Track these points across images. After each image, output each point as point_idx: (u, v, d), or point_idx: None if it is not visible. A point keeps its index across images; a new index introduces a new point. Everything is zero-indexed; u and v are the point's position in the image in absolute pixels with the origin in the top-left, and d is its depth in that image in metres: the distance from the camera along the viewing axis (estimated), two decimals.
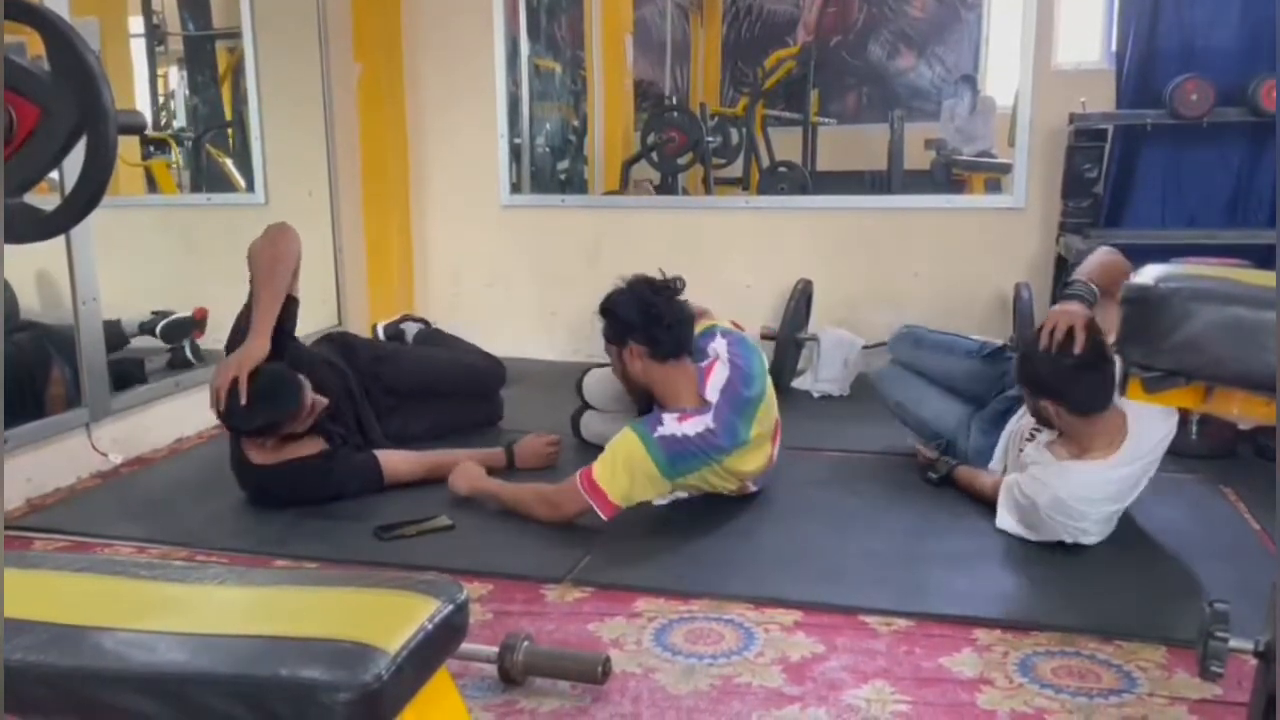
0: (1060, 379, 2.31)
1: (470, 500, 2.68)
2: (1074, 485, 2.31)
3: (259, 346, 2.58)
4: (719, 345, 2.65)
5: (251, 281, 2.69)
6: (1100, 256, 2.49)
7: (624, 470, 2.43)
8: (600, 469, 2.44)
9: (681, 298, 2.63)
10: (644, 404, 2.72)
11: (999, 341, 3.00)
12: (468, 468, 2.73)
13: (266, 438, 2.63)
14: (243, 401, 2.51)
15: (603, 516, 2.43)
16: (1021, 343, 2.45)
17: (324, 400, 2.65)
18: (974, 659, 1.94)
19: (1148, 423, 2.33)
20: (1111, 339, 2.25)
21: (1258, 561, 2.34)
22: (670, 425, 2.47)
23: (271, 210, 4.21)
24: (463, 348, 3.60)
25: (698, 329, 2.70)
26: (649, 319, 2.56)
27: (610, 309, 2.64)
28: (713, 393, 2.54)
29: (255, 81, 4.16)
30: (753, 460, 2.59)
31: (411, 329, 3.76)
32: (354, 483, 2.76)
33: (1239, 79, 3.50)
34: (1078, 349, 2.28)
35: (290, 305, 2.76)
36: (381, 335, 3.74)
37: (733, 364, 2.60)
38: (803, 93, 6.57)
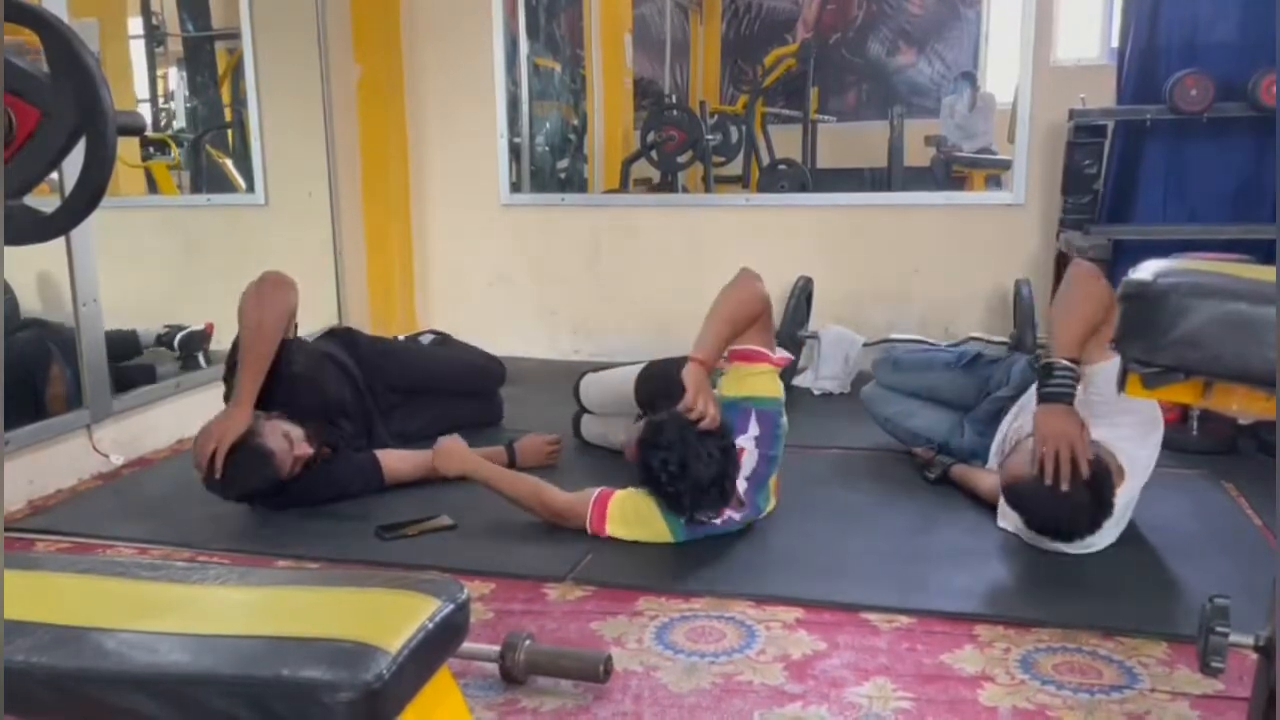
0: (1063, 526, 2.24)
1: (471, 500, 2.67)
2: None
3: (240, 417, 2.57)
4: (748, 439, 2.43)
5: (237, 339, 2.68)
6: (1073, 301, 2.27)
7: (639, 531, 2.43)
8: (615, 514, 2.42)
9: (719, 458, 2.29)
10: (640, 412, 2.71)
11: (975, 349, 3.02)
12: (454, 446, 2.65)
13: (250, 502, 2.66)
14: (218, 478, 2.54)
15: (588, 528, 2.45)
16: (1013, 501, 2.31)
17: (309, 451, 2.64)
18: (975, 655, 1.94)
19: (1140, 457, 2.33)
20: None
21: (1259, 557, 2.34)
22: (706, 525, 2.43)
23: (271, 211, 4.21)
24: (470, 349, 3.60)
25: (736, 393, 2.46)
26: (677, 503, 2.35)
27: (647, 474, 2.34)
28: (741, 483, 2.42)
29: (255, 82, 4.16)
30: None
31: (427, 339, 3.80)
32: (355, 483, 2.76)
33: (1239, 74, 3.49)
34: (1084, 474, 2.15)
35: (283, 346, 2.72)
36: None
37: (761, 455, 2.45)
38: (802, 90, 6.57)
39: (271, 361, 2.65)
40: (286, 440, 2.59)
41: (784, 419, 2.52)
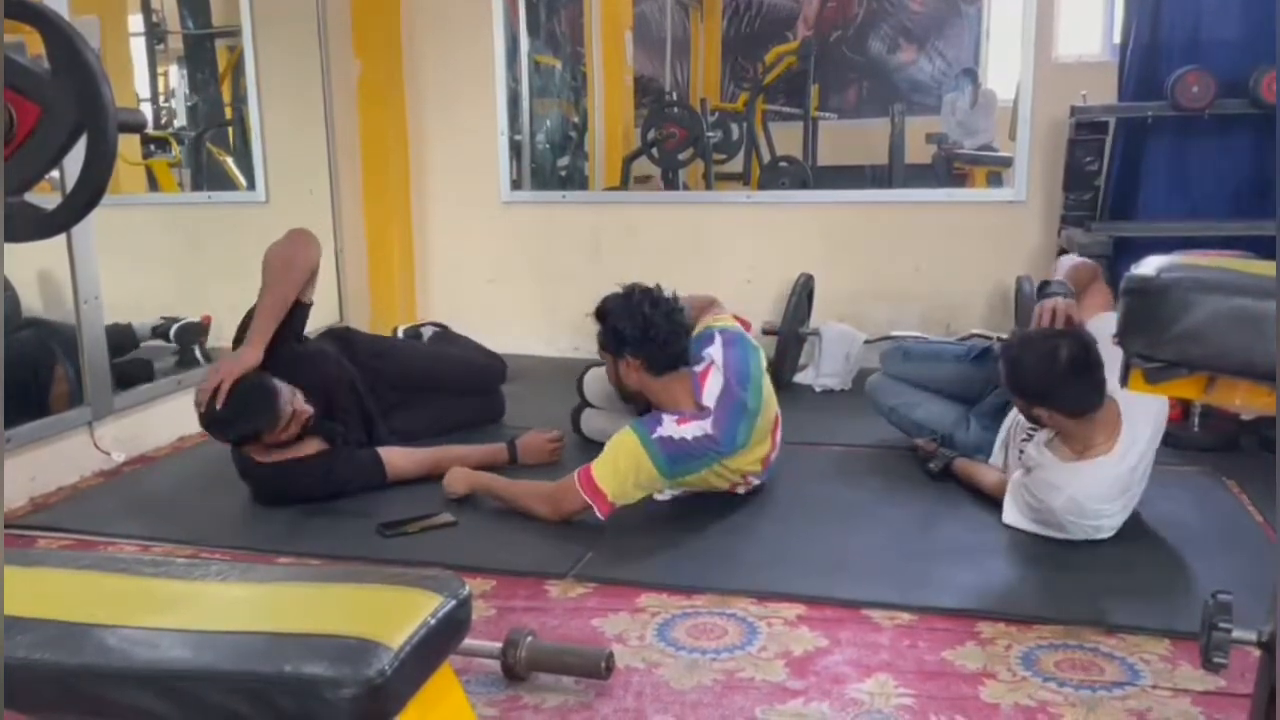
0: (1049, 383, 2.29)
1: (471, 497, 2.68)
2: (1087, 485, 2.30)
3: (250, 356, 2.59)
4: (715, 350, 2.63)
5: (261, 286, 2.70)
6: (1069, 260, 2.59)
7: (623, 469, 2.44)
8: (599, 468, 2.45)
9: (679, 308, 2.61)
10: (640, 406, 2.73)
11: (984, 343, 3.03)
12: (460, 471, 2.72)
13: (248, 446, 2.65)
14: (219, 407, 2.53)
15: (600, 515, 2.44)
16: (1004, 353, 2.43)
17: (309, 410, 2.65)
18: (977, 652, 1.94)
19: (1139, 406, 2.33)
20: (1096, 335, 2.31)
21: (1260, 553, 2.34)
22: (669, 426, 2.47)
23: (272, 208, 4.21)
24: (470, 346, 3.61)
25: (698, 328, 2.70)
26: (645, 335, 2.55)
27: (606, 319, 2.62)
28: (709, 398, 2.54)
29: (255, 79, 4.16)
30: (752, 456, 2.60)
31: (428, 332, 3.79)
32: (357, 480, 2.76)
33: (1241, 71, 3.49)
34: (1069, 325, 2.34)
35: (300, 310, 2.76)
36: (401, 337, 3.82)
37: (728, 368, 2.59)
38: (803, 87, 6.56)
39: (285, 316, 2.66)
40: (290, 393, 2.60)
41: (755, 352, 2.68)
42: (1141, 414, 2.34)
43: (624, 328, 2.57)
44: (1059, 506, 2.32)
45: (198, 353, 3.76)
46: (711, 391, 2.55)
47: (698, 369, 2.60)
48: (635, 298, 2.59)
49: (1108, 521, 2.34)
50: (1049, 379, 2.28)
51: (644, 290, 2.61)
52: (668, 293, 2.63)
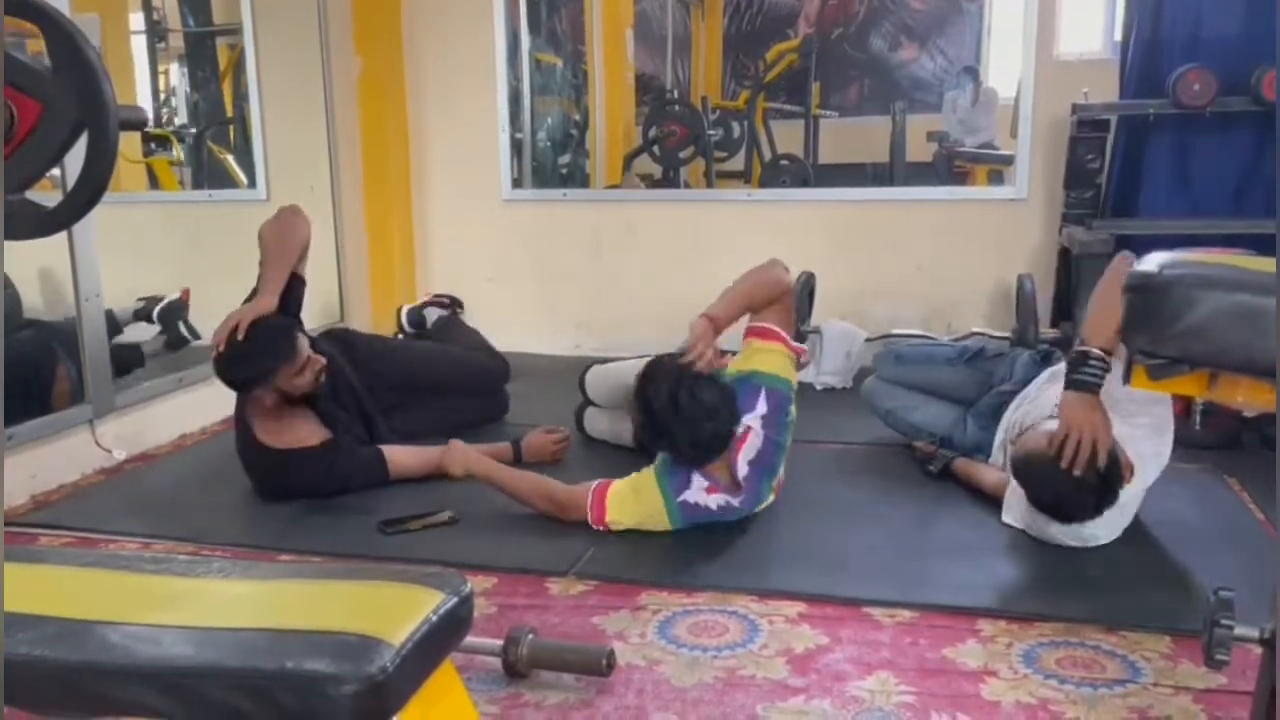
0: (1071, 510, 2.24)
1: (473, 495, 2.67)
2: (1087, 526, 2.29)
3: (267, 302, 2.65)
4: (754, 418, 2.43)
5: (261, 255, 2.75)
6: (1112, 291, 2.00)
7: (636, 511, 2.44)
8: (614, 500, 2.44)
9: (724, 431, 2.35)
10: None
11: (976, 344, 3.02)
12: (460, 448, 2.70)
13: (263, 388, 2.64)
14: (240, 340, 2.56)
15: (591, 523, 2.45)
16: (1024, 473, 2.30)
17: (322, 360, 2.70)
18: (978, 650, 1.94)
19: (1150, 458, 2.32)
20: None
21: (1262, 551, 2.34)
22: (696, 493, 2.42)
23: (273, 206, 4.19)
24: (474, 342, 3.60)
25: (748, 367, 2.49)
26: (674, 448, 2.38)
27: (644, 408, 2.37)
28: (743, 466, 2.42)
29: (256, 77, 4.16)
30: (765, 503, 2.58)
31: (433, 315, 3.78)
32: (359, 477, 2.76)
33: (1242, 69, 3.49)
34: (1101, 463, 2.15)
35: (297, 285, 2.80)
36: (405, 320, 3.85)
37: (767, 437, 2.45)
38: (804, 85, 6.55)
39: (290, 273, 2.72)
40: (303, 338, 2.66)
41: (793, 407, 2.52)
42: (1153, 467, 2.33)
43: (653, 427, 2.37)
44: (1054, 532, 2.33)
45: (183, 328, 3.76)
46: (746, 456, 2.42)
47: (736, 431, 2.41)
48: (681, 404, 2.29)
49: (1105, 535, 2.34)
50: (1080, 511, 2.23)
51: (690, 394, 2.30)
52: (724, 382, 2.38)
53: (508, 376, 3.47)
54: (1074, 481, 2.15)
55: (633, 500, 2.44)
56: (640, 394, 2.37)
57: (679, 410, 2.30)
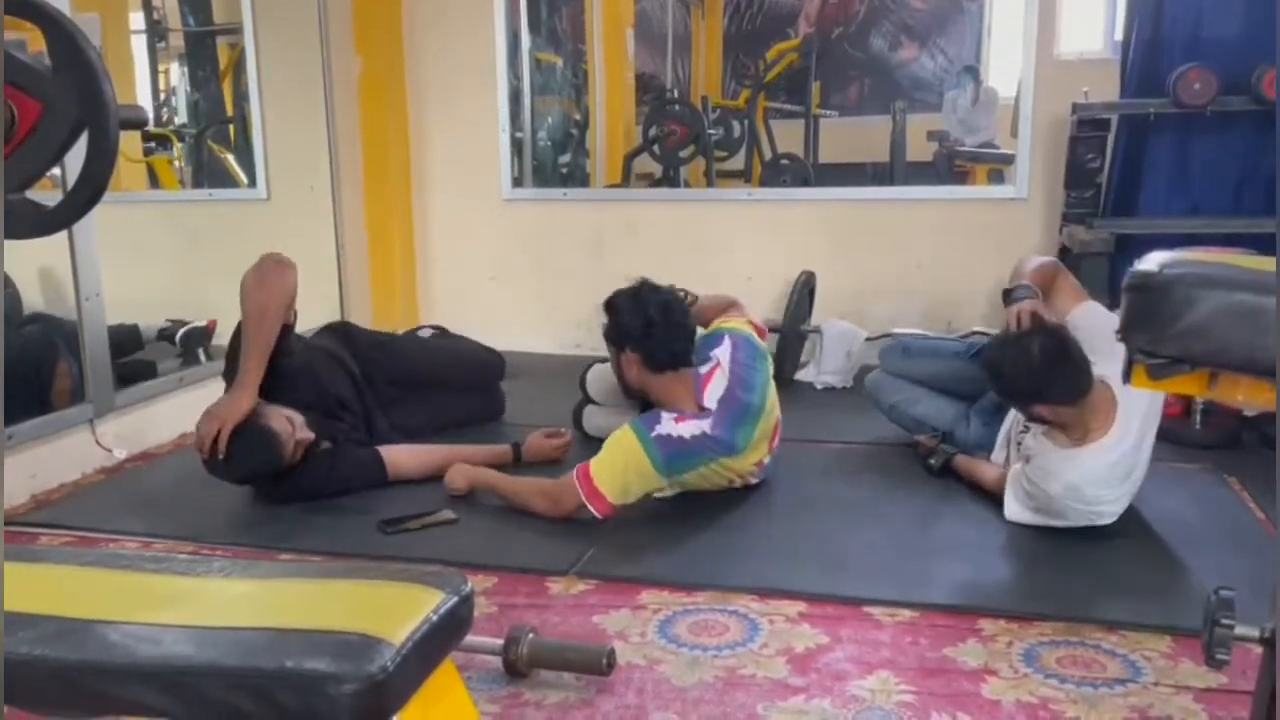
0: (1033, 381, 2.33)
1: (473, 494, 2.68)
2: (1085, 471, 2.31)
3: (245, 400, 2.57)
4: (722, 351, 2.64)
5: (240, 322, 2.67)
6: (1030, 262, 2.66)
7: (620, 467, 2.45)
8: (597, 466, 2.45)
9: (684, 308, 2.64)
10: (642, 403, 2.73)
11: (983, 340, 3.02)
12: (462, 467, 2.73)
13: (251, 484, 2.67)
14: (221, 458, 2.54)
15: (597, 515, 2.45)
16: (986, 365, 2.50)
17: (310, 435, 2.65)
18: (978, 649, 1.94)
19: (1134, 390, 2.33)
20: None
21: (1262, 550, 2.34)
22: (667, 425, 2.48)
23: (273, 205, 4.21)
24: (469, 345, 3.60)
25: (711, 327, 2.72)
26: (646, 332, 2.56)
27: (612, 310, 2.64)
28: (710, 400, 2.55)
29: (256, 77, 4.16)
30: (749, 460, 2.61)
31: (426, 334, 3.79)
32: (358, 478, 2.76)
33: (1242, 68, 3.49)
34: (1037, 322, 2.41)
35: (286, 332, 2.73)
36: None
37: (733, 372, 2.59)
38: (804, 85, 6.55)
39: (274, 347, 2.65)
40: (289, 424, 2.60)
41: (762, 358, 2.68)
42: (1136, 395, 2.33)
43: (626, 322, 2.58)
44: (1057, 493, 2.32)
45: (202, 355, 3.77)
46: (714, 393, 2.56)
47: (703, 369, 2.60)
48: (643, 294, 2.60)
49: (1108, 508, 2.34)
50: (1031, 377, 2.32)
51: (653, 288, 2.62)
52: (679, 292, 2.65)
53: (503, 373, 3.48)
54: (1032, 342, 2.33)
55: (613, 460, 2.45)
56: (609, 307, 2.64)
57: (641, 302, 2.57)
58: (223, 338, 3.67)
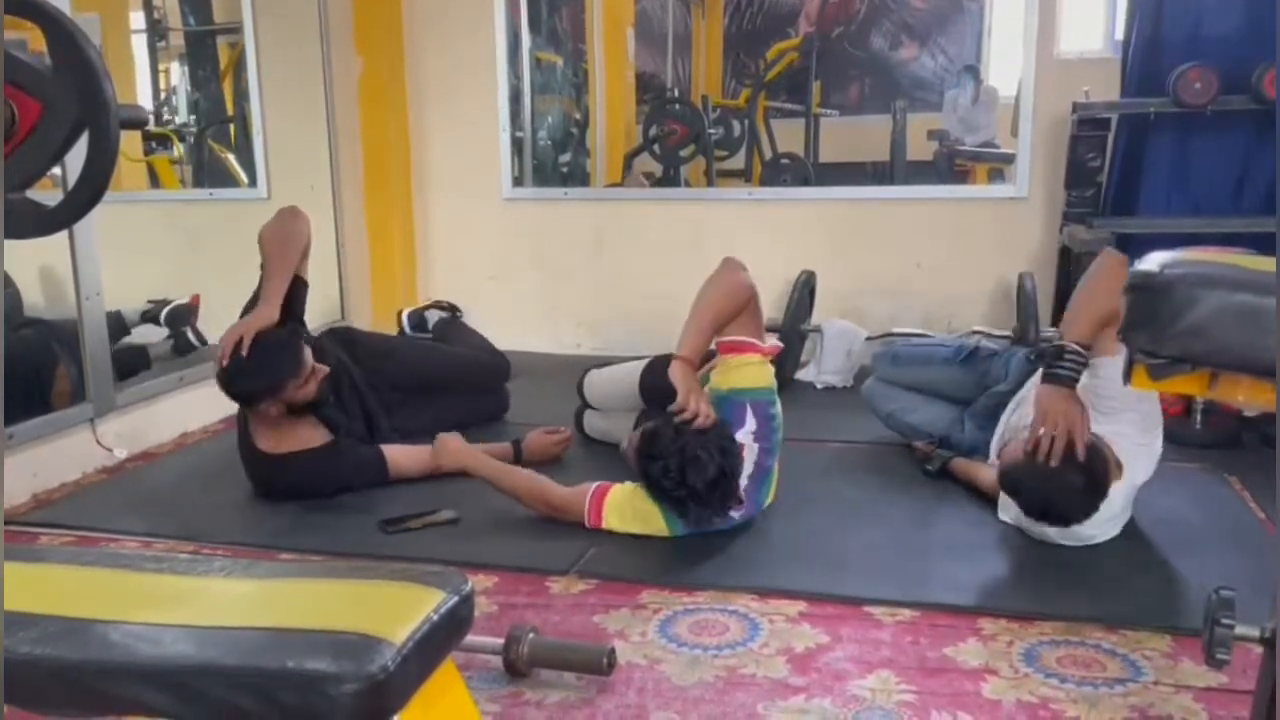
0: (1072, 512, 2.21)
1: (473, 495, 2.67)
2: (1079, 527, 2.28)
3: (268, 313, 2.63)
4: (745, 433, 2.39)
5: (262, 260, 2.74)
6: (1095, 289, 2.22)
7: (637, 524, 2.43)
8: (612, 507, 2.43)
9: (732, 484, 2.32)
10: (642, 411, 2.71)
11: (972, 344, 3.01)
12: (452, 441, 2.70)
13: (268, 402, 2.63)
14: (244, 355, 2.55)
15: (585, 521, 2.45)
16: (1008, 469, 2.30)
17: (325, 368, 2.68)
18: (978, 649, 1.94)
19: (1140, 453, 2.32)
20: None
21: (1262, 550, 2.34)
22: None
23: (274, 205, 4.19)
24: (475, 342, 3.60)
25: (729, 385, 2.42)
26: (681, 505, 2.33)
27: (647, 465, 2.32)
28: (743, 481, 2.40)
29: (257, 76, 4.15)
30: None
31: (433, 317, 3.78)
32: (359, 477, 2.76)
33: (1243, 67, 3.49)
34: (1079, 455, 2.15)
35: (299, 288, 2.80)
36: (406, 323, 3.85)
37: (760, 448, 2.42)
38: (805, 84, 6.55)
39: (291, 279, 2.71)
40: (308, 350, 2.64)
41: (777, 408, 2.48)
42: (1143, 464, 2.32)
43: (666, 486, 2.30)
44: (1053, 533, 2.33)
45: (190, 335, 3.75)
46: (745, 473, 2.40)
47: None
48: (689, 477, 2.25)
49: (1101, 538, 2.34)
50: (1071, 510, 2.21)
51: (696, 462, 2.25)
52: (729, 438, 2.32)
53: (508, 374, 3.48)
54: (1059, 481, 2.16)
55: (632, 517, 2.43)
56: (645, 473, 2.32)
57: (687, 479, 2.25)
58: (208, 318, 3.67)
